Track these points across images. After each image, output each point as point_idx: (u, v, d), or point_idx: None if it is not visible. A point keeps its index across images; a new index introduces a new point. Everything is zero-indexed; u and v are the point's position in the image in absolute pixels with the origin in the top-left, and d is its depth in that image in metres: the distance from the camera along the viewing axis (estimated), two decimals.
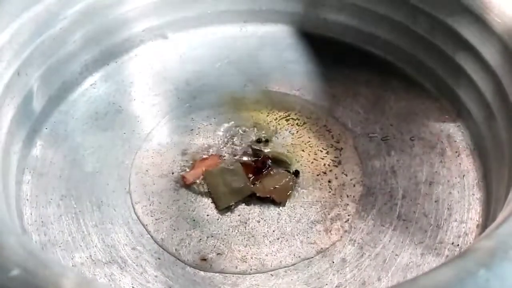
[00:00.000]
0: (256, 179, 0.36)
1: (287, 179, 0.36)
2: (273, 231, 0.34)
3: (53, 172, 0.36)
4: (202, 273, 0.32)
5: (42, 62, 0.37)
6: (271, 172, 0.36)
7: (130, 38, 0.43)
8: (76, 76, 0.40)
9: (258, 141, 0.38)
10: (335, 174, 0.36)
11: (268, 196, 0.35)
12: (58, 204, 0.34)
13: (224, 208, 0.35)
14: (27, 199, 0.34)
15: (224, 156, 0.37)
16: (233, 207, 0.35)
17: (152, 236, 0.34)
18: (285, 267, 0.32)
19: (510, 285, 0.19)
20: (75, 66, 0.40)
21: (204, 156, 0.37)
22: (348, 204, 0.35)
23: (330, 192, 0.36)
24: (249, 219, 0.34)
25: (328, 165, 0.37)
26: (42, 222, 0.33)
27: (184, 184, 0.36)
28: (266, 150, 0.38)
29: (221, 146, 0.38)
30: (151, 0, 0.43)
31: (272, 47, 0.44)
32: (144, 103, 0.41)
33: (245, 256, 0.33)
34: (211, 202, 0.35)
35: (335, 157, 0.37)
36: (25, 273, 0.19)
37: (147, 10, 0.43)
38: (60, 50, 0.38)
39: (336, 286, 0.31)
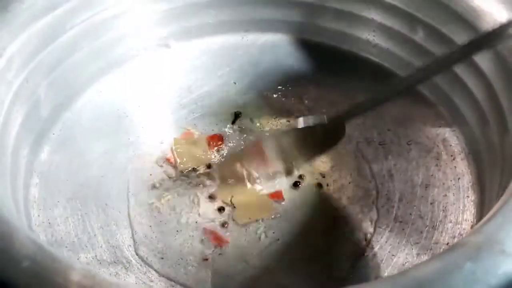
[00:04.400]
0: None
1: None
2: (273, 232, 0.35)
3: (60, 175, 0.37)
4: (204, 273, 0.33)
5: (49, 70, 0.38)
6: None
7: (134, 47, 0.44)
8: (82, 84, 0.41)
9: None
10: (334, 178, 0.37)
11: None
12: (65, 206, 0.35)
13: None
14: (35, 201, 0.35)
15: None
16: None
17: (155, 237, 0.35)
18: (285, 266, 0.33)
19: (495, 277, 0.20)
20: (81, 74, 0.41)
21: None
22: (346, 207, 0.36)
23: (328, 195, 0.37)
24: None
25: (327, 169, 0.38)
26: (49, 223, 0.34)
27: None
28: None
29: (223, 149, 0.39)
30: (154, 11, 0.44)
31: (272, 56, 0.45)
32: (148, 110, 0.42)
33: (246, 256, 0.34)
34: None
35: (333, 161, 0.38)
36: (34, 265, 0.20)
37: (151, 20, 0.44)
38: (67, 59, 0.40)
39: (334, 286, 0.32)
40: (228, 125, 0.41)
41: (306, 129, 0.36)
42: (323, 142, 0.37)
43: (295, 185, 0.37)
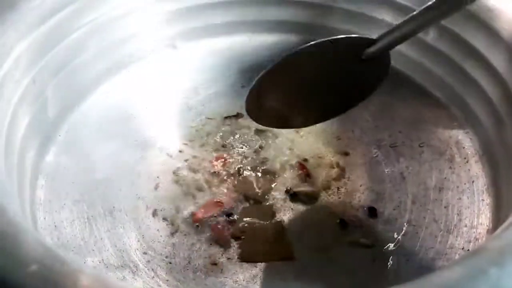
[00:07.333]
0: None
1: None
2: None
3: (66, 177, 0.36)
4: (213, 277, 0.32)
5: (57, 71, 0.38)
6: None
7: (141, 47, 0.44)
8: (89, 85, 0.41)
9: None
10: (345, 181, 0.37)
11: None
12: (71, 209, 0.35)
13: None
14: (41, 204, 0.34)
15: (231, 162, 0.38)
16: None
17: (163, 241, 0.34)
18: (295, 271, 0.32)
19: None
20: (88, 75, 0.40)
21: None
22: (358, 210, 0.35)
23: (340, 198, 0.36)
24: None
25: (338, 172, 0.37)
26: (55, 226, 0.34)
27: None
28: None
29: (230, 152, 0.39)
30: (161, 11, 0.44)
31: (280, 57, 0.45)
32: (155, 111, 0.41)
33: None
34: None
35: (344, 164, 0.38)
36: (43, 268, 0.19)
37: (158, 21, 0.44)
38: (74, 60, 0.39)
39: None
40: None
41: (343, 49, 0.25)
42: (363, 79, 0.28)
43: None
